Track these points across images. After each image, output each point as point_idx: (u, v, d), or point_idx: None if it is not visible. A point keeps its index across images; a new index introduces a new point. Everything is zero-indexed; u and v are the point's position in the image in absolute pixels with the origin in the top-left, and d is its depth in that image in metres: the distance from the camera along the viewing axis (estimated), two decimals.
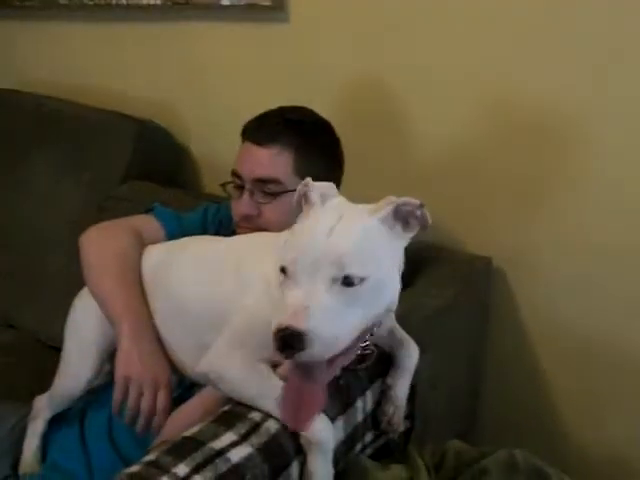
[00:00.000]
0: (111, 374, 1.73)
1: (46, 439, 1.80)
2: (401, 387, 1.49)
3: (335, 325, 1.15)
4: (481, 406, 2.16)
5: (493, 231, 2.03)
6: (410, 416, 1.53)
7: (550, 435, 2.08)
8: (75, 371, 1.73)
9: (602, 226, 1.87)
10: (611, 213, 1.85)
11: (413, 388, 1.52)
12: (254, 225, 1.73)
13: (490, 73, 1.93)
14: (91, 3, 2.69)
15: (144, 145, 2.50)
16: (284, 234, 1.38)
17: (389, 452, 1.54)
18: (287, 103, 1.83)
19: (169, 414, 1.50)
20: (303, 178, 1.64)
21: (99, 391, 1.78)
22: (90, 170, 2.51)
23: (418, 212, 1.25)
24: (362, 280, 1.16)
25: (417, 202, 1.25)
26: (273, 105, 1.83)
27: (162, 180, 2.46)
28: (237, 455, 1.20)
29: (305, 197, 1.31)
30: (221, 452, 1.19)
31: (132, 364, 1.52)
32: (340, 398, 1.38)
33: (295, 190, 1.47)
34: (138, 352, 1.54)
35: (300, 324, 1.12)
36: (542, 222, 1.96)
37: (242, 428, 1.25)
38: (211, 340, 1.44)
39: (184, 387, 1.63)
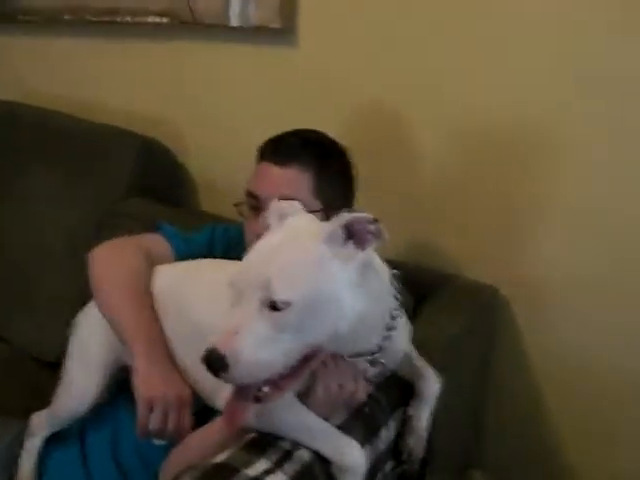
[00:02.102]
0: (114, 391, 1.73)
1: (43, 458, 1.76)
2: (422, 417, 1.49)
3: (262, 350, 1.14)
4: (484, 437, 2.16)
5: (500, 260, 2.04)
6: (428, 445, 1.52)
7: (556, 465, 2.09)
8: (80, 389, 1.71)
9: (608, 257, 1.89)
10: (616, 243, 1.88)
11: (432, 417, 1.51)
12: None
13: (501, 98, 1.96)
14: (95, 19, 2.68)
15: (145, 162, 2.48)
16: None
17: None
18: (294, 127, 1.82)
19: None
20: (321, 199, 1.68)
21: (100, 409, 1.74)
22: (90, 186, 2.49)
23: (371, 227, 1.20)
24: (289, 305, 1.14)
25: (369, 217, 1.19)
26: (279, 129, 1.81)
27: (161, 198, 2.45)
28: None
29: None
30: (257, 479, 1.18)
31: (153, 384, 1.50)
32: (366, 427, 1.38)
33: (313, 212, 1.49)
34: (157, 372, 1.52)
35: (223, 346, 1.12)
36: (548, 252, 1.98)
37: (274, 455, 1.24)
38: None
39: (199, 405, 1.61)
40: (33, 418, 1.79)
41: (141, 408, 1.49)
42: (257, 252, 1.21)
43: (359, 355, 1.32)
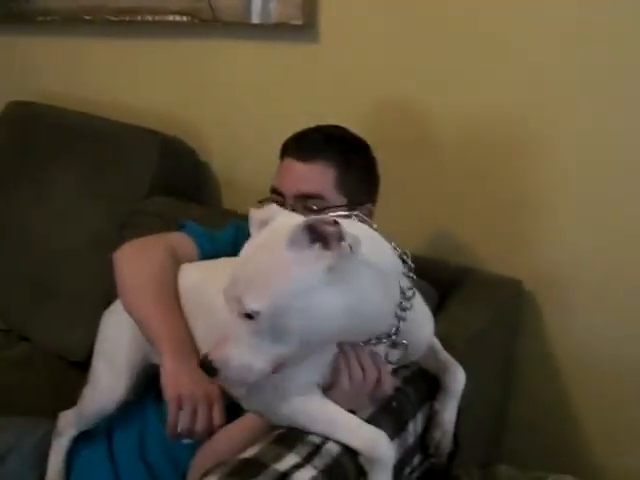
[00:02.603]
0: (141, 390, 1.73)
1: (71, 456, 1.77)
2: (449, 411, 1.48)
3: (246, 355, 1.20)
4: (509, 429, 2.15)
5: (523, 253, 2.04)
6: (454, 438, 1.52)
7: (578, 463, 2.08)
8: (107, 388, 1.71)
9: (631, 246, 1.89)
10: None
11: (458, 411, 1.51)
12: None
13: (518, 94, 1.97)
14: (116, 19, 2.69)
15: (168, 161, 2.49)
16: None
17: (434, 475, 1.53)
18: (316, 124, 1.82)
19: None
20: (345, 194, 1.69)
21: (128, 408, 1.74)
22: (112, 185, 2.50)
23: (330, 229, 1.16)
24: (258, 314, 1.16)
25: (329, 219, 1.16)
26: (301, 126, 1.81)
27: (184, 197, 2.46)
28: (302, 477, 1.18)
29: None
30: (286, 474, 1.18)
31: (181, 383, 1.50)
32: (394, 420, 1.38)
33: (338, 207, 1.54)
34: (185, 370, 1.51)
35: (213, 353, 1.21)
36: (572, 243, 1.98)
37: (303, 450, 1.24)
38: None
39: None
40: (60, 418, 1.79)
41: (170, 407, 1.49)
42: (237, 262, 1.24)
43: (378, 339, 1.31)
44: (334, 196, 1.69)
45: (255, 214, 1.29)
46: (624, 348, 1.95)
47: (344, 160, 1.71)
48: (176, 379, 1.51)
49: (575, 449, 2.08)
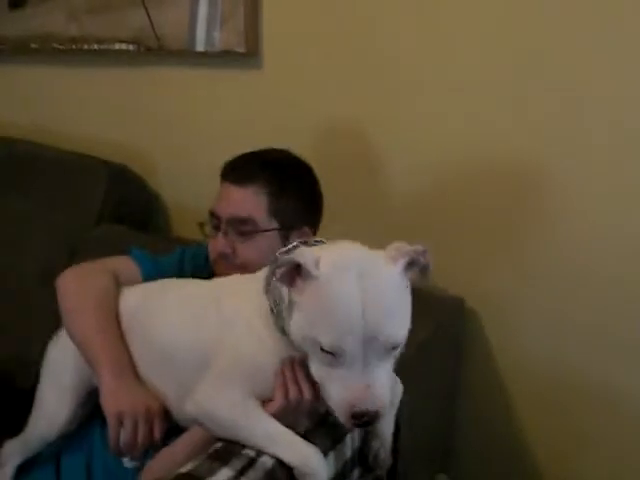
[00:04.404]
0: (85, 417, 1.74)
1: None
2: (386, 422, 1.50)
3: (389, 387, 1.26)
4: (457, 443, 2.18)
5: (465, 271, 2.08)
6: (394, 452, 1.54)
7: (524, 471, 2.12)
8: (51, 414, 1.73)
9: (570, 264, 1.93)
10: (581, 252, 1.91)
11: (396, 423, 1.53)
12: (230, 263, 1.74)
13: (467, 122, 2.00)
14: (62, 47, 2.70)
15: (117, 189, 2.50)
16: (260, 274, 1.44)
17: None
18: (261, 148, 1.86)
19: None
20: (277, 218, 1.71)
21: (75, 434, 1.75)
22: (62, 213, 2.50)
23: (426, 260, 1.30)
24: (403, 342, 1.25)
25: (425, 249, 1.29)
26: (245, 150, 1.85)
27: (133, 224, 2.47)
28: None
29: (297, 270, 1.28)
30: None
31: (121, 399, 1.52)
32: (330, 434, 1.40)
33: (268, 230, 1.62)
34: (123, 386, 1.54)
35: (370, 406, 1.21)
36: (512, 262, 2.02)
37: (238, 464, 1.26)
38: (196, 383, 1.45)
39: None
40: (5, 446, 1.80)
41: (111, 423, 1.51)
42: (344, 309, 1.21)
43: None
44: (265, 220, 1.72)
45: (306, 253, 1.28)
46: (566, 362, 1.99)
47: (278, 185, 1.74)
48: (116, 396, 1.53)
49: (520, 458, 2.12)
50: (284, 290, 1.32)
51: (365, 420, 1.21)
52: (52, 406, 1.73)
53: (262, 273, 1.44)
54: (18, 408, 1.82)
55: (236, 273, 1.64)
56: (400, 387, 1.53)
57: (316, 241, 1.45)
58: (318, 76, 2.21)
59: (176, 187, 2.62)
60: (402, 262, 1.27)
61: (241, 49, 2.30)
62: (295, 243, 1.43)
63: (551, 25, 1.83)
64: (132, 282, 1.78)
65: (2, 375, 2.41)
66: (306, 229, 1.77)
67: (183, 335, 1.53)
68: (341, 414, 1.23)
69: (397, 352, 1.27)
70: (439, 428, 2.10)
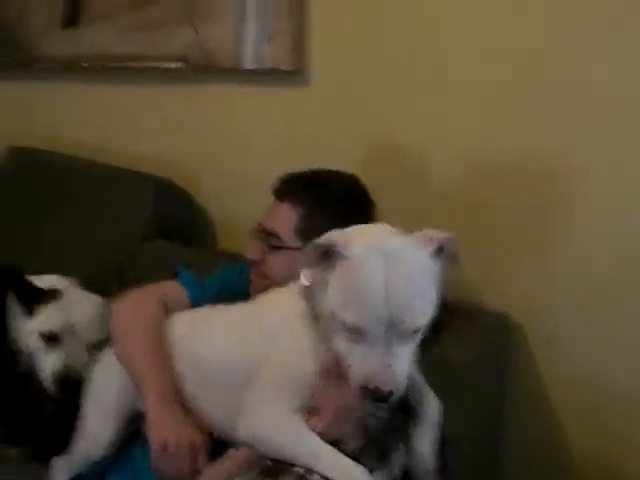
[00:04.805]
0: (131, 436, 1.76)
1: None
2: (424, 442, 1.49)
3: (407, 367, 1.27)
4: (504, 458, 2.15)
5: (511, 287, 2.06)
6: (442, 468, 1.52)
7: None
8: (94, 434, 1.76)
9: (619, 281, 1.91)
10: (629, 267, 1.90)
11: (444, 443, 1.52)
12: (259, 271, 1.80)
13: (503, 130, 2.02)
14: (112, 65, 2.75)
15: (163, 205, 2.54)
16: (294, 287, 1.47)
17: None
18: (306, 166, 1.87)
19: None
20: (303, 238, 1.71)
21: (120, 454, 1.78)
22: (109, 228, 2.54)
23: (455, 247, 1.31)
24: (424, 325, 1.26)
25: (454, 237, 1.31)
26: (293, 169, 1.87)
27: (179, 239, 2.49)
28: None
29: (330, 252, 1.31)
30: None
31: (166, 429, 1.55)
32: (378, 450, 1.41)
33: (289, 248, 1.66)
34: (169, 417, 1.57)
35: (388, 385, 1.24)
36: (559, 277, 2.00)
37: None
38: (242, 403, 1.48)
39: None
40: (52, 464, 1.83)
41: (155, 452, 1.54)
42: (370, 289, 1.24)
43: None
44: (290, 238, 1.75)
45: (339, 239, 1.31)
46: (614, 381, 1.96)
47: (311, 206, 1.75)
48: (160, 425, 1.57)
49: (565, 471, 2.09)
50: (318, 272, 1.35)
51: (377, 396, 1.25)
52: (95, 427, 1.76)
53: (294, 287, 1.49)
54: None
55: (263, 281, 1.73)
56: (437, 406, 1.52)
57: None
58: (364, 94, 2.22)
59: (222, 202, 2.63)
60: (431, 247, 1.29)
61: (288, 66, 2.33)
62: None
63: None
64: (180, 306, 1.82)
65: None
66: None
67: (229, 357, 1.55)
68: (357, 388, 1.26)
69: (419, 335, 1.29)
70: (485, 444, 2.08)
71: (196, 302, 1.83)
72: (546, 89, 1.94)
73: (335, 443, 1.36)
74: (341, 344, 1.29)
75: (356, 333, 1.25)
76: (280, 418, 1.39)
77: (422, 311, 1.27)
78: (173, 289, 1.86)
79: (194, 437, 1.56)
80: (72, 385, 1.78)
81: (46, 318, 1.86)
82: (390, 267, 1.24)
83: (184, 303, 1.83)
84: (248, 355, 1.50)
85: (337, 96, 2.28)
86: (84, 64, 2.84)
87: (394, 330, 1.23)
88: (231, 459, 1.49)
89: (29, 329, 1.89)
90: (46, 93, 3.05)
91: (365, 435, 1.41)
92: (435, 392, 1.53)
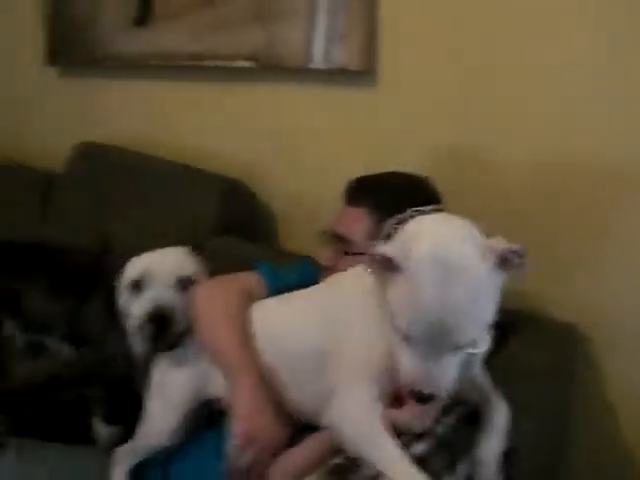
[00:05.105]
0: (195, 426, 1.77)
1: None
2: (490, 450, 1.47)
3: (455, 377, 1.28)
4: (567, 474, 2.12)
5: (579, 297, 2.03)
6: (508, 477, 1.51)
7: None
8: (158, 426, 1.78)
9: None
10: None
11: (512, 451, 1.50)
12: (330, 275, 1.77)
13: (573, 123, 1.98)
14: (181, 64, 2.78)
15: (229, 203, 2.56)
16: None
17: None
18: (373, 168, 1.87)
19: None
20: None
21: (185, 443, 1.79)
22: (175, 226, 2.55)
23: (521, 260, 1.27)
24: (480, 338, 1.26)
25: (522, 249, 1.27)
26: (360, 170, 1.87)
27: (244, 238, 2.49)
28: None
29: (389, 262, 1.29)
30: None
31: (254, 421, 1.54)
32: (447, 455, 1.41)
33: (363, 254, 1.53)
34: (258, 407, 1.56)
35: (431, 390, 1.26)
36: (628, 289, 1.97)
37: None
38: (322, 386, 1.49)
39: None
40: (118, 449, 1.84)
41: (235, 440, 1.53)
42: (429, 302, 1.24)
43: None
44: (363, 243, 1.73)
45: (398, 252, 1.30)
46: None
47: (384, 211, 1.73)
48: (250, 414, 1.55)
49: None
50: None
51: (422, 399, 1.27)
52: (159, 419, 1.78)
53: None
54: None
55: None
56: (505, 411, 1.51)
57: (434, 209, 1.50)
58: (435, 95, 2.21)
59: (289, 203, 2.64)
60: (493, 259, 1.26)
61: (358, 67, 2.31)
62: (409, 213, 1.50)
63: None
64: (259, 297, 1.81)
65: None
66: None
67: (305, 341, 1.56)
68: (404, 386, 1.29)
69: (474, 346, 1.29)
70: (550, 454, 2.05)
71: (274, 293, 1.82)
72: (629, 100, 1.90)
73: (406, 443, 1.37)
74: (398, 346, 1.30)
75: (410, 340, 1.26)
76: (361, 412, 1.40)
77: (476, 325, 1.26)
78: (252, 279, 1.86)
79: (276, 437, 1.55)
80: (164, 320, 1.77)
81: (126, 274, 1.89)
82: (448, 281, 1.22)
83: (263, 293, 1.83)
84: (323, 339, 1.51)
85: (406, 97, 2.27)
86: (154, 62, 2.86)
87: (445, 342, 1.24)
88: (310, 445, 1.51)
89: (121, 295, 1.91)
90: (116, 90, 3.09)
91: (433, 438, 1.41)
92: (510, 399, 1.52)
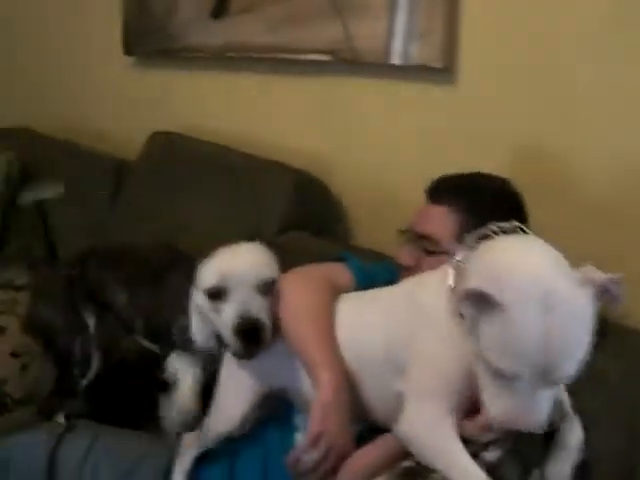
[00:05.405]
0: (263, 416, 1.76)
1: (193, 476, 1.79)
2: (562, 465, 1.44)
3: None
4: None
5: None
6: None
7: None
8: (227, 415, 1.76)
9: None
10: None
11: (584, 465, 1.46)
12: (411, 276, 1.72)
13: None
14: (257, 56, 2.78)
15: (301, 196, 2.54)
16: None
17: None
18: (449, 167, 1.84)
19: None
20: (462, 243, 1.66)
21: (252, 433, 1.78)
22: (246, 218, 2.55)
23: (620, 290, 1.24)
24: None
25: (620, 279, 1.23)
26: (435, 169, 1.84)
27: (314, 232, 2.48)
28: None
29: (484, 298, 1.24)
30: None
31: (329, 422, 1.51)
32: (520, 464, 1.39)
33: (449, 253, 1.54)
34: (336, 408, 1.52)
35: (526, 428, 1.23)
36: None
37: None
38: (392, 384, 1.48)
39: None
40: (184, 438, 1.83)
41: (308, 438, 1.51)
42: (531, 341, 1.20)
43: None
44: (449, 242, 1.70)
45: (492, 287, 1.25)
46: None
47: (471, 211, 1.71)
48: (326, 415, 1.51)
49: None
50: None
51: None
52: (229, 405, 1.76)
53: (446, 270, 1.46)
54: None
55: None
56: (579, 430, 1.47)
57: (518, 227, 1.44)
58: (515, 95, 2.17)
59: (358, 198, 2.62)
60: (592, 291, 1.22)
61: (437, 64, 2.29)
62: (488, 230, 1.42)
63: None
64: (345, 289, 1.78)
65: None
66: None
67: (387, 338, 1.53)
68: (495, 425, 1.27)
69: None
70: (624, 469, 2.00)
71: (361, 287, 1.79)
72: None
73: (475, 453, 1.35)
74: (484, 379, 1.27)
75: (503, 377, 1.22)
76: (430, 428, 1.38)
77: (577, 361, 1.22)
78: (339, 270, 1.84)
79: (347, 443, 1.52)
80: (254, 332, 1.65)
81: (204, 278, 1.76)
82: (549, 317, 1.18)
83: (349, 287, 1.80)
84: (396, 346, 1.49)
85: (486, 96, 2.23)
86: (230, 54, 2.87)
87: (544, 380, 1.20)
88: (381, 446, 1.50)
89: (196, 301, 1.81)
90: (190, 81, 3.11)
91: (504, 446, 1.39)
92: (582, 411, 1.48)
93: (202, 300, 1.75)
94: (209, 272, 1.74)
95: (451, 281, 1.39)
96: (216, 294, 1.71)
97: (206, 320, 1.78)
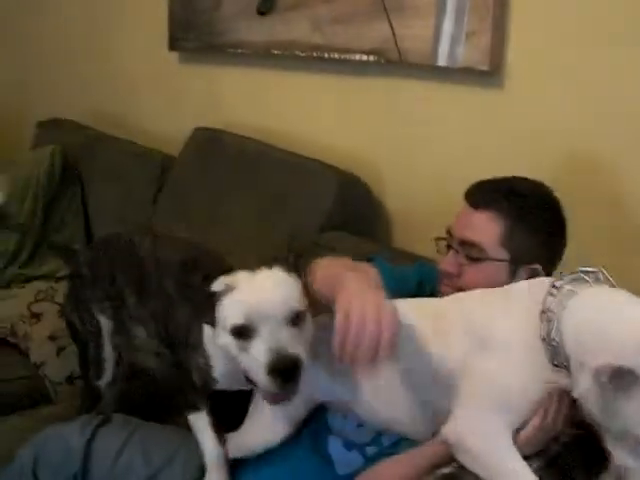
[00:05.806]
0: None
1: None
2: None
3: None
4: None
5: None
6: None
7: None
8: (262, 429, 1.74)
9: None
10: None
11: None
12: (453, 284, 1.73)
13: None
14: (303, 54, 2.77)
15: (344, 197, 2.53)
16: (514, 292, 1.46)
17: None
18: (496, 171, 1.81)
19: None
20: (509, 250, 1.67)
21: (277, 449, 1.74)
22: (288, 215, 2.56)
23: None
24: None
25: None
26: (479, 172, 1.82)
27: (356, 233, 2.47)
28: None
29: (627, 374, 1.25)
30: None
31: (354, 294, 1.40)
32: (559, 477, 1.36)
33: (495, 260, 1.60)
34: (360, 287, 1.42)
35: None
36: None
37: None
38: (435, 400, 1.45)
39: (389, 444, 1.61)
40: (228, 438, 1.78)
41: (338, 315, 1.39)
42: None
43: None
44: (495, 249, 1.68)
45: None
46: None
47: (515, 216, 1.69)
48: (350, 292, 1.41)
49: None
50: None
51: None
52: (270, 418, 1.72)
53: (517, 292, 1.47)
54: None
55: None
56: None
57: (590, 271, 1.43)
58: (561, 99, 2.14)
59: (401, 200, 2.60)
60: None
61: (484, 67, 2.26)
62: (592, 270, 1.42)
63: None
64: None
65: None
66: (537, 266, 1.70)
67: (427, 350, 1.50)
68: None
69: None
70: None
71: (387, 289, 1.71)
72: None
73: None
74: (619, 450, 1.30)
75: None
76: (490, 431, 1.37)
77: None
78: (366, 268, 1.74)
79: (383, 303, 1.37)
80: (289, 371, 1.48)
81: (228, 316, 1.56)
82: None
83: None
84: (448, 357, 1.47)
85: (532, 100, 2.20)
86: (275, 51, 2.87)
87: None
88: (408, 462, 1.47)
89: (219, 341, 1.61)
90: (234, 78, 3.12)
91: (545, 456, 1.38)
92: None
93: (227, 339, 1.56)
94: (233, 309, 1.56)
95: (543, 332, 1.36)
96: (243, 332, 1.53)
97: (230, 359, 1.60)
